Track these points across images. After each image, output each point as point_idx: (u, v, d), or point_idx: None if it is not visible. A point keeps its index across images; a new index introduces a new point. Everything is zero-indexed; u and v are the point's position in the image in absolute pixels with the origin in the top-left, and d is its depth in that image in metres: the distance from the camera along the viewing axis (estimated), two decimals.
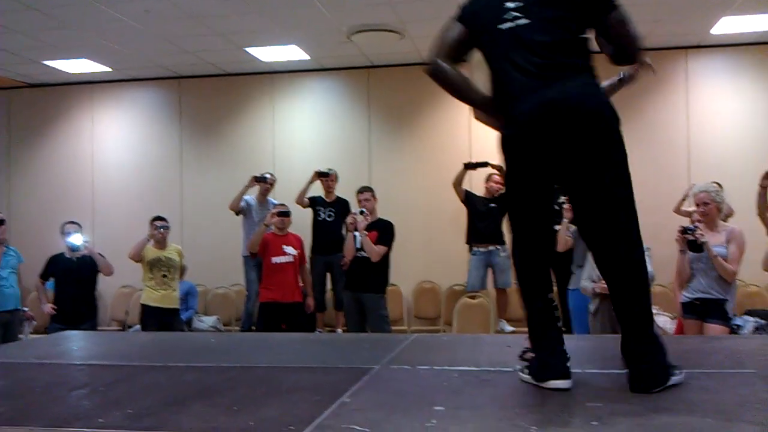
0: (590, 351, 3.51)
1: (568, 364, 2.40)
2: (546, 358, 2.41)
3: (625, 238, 2.48)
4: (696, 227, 5.25)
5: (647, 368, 2.31)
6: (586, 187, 2.38)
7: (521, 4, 2.38)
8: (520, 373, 2.51)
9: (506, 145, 2.45)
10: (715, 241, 5.21)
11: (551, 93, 2.31)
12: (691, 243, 5.18)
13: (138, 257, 6.80)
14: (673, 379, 2.32)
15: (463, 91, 2.56)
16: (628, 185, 2.45)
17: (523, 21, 2.37)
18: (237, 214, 8.01)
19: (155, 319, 6.75)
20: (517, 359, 2.65)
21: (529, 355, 2.55)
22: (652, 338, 2.36)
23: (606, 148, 2.35)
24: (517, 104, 2.37)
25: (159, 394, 2.48)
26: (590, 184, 2.37)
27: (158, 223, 6.87)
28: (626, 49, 2.52)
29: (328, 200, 8.01)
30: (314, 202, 7.99)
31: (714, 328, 5.12)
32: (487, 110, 2.60)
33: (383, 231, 6.35)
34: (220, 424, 2.06)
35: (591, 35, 2.48)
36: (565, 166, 2.37)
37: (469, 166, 7.78)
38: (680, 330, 5.66)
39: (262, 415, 2.14)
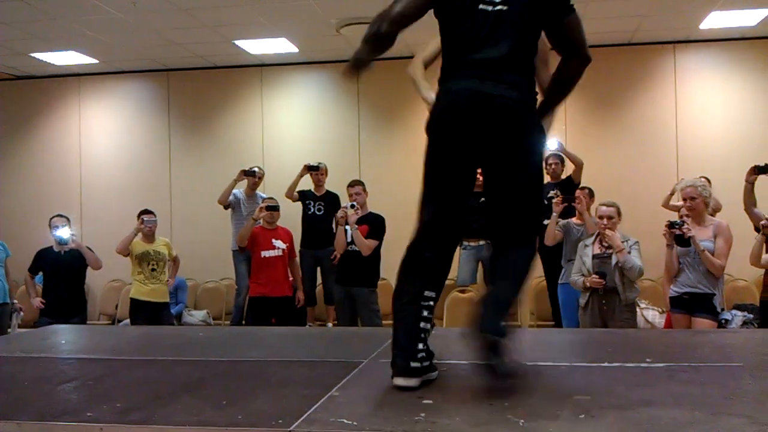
0: (579, 344, 3.54)
1: (417, 366, 2.35)
2: (396, 355, 2.37)
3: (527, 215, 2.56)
4: (683, 222, 5.28)
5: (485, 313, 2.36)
6: (500, 168, 2.47)
7: None
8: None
9: (435, 115, 2.47)
10: (702, 235, 5.24)
11: (491, 88, 2.35)
12: (678, 237, 5.21)
13: (126, 251, 6.77)
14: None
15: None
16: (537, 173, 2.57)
17: (502, 7, 2.37)
18: (225, 208, 7.98)
19: (144, 313, 6.73)
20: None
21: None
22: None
23: (520, 136, 2.41)
24: (456, 83, 2.42)
25: (148, 387, 2.47)
26: (504, 166, 2.45)
27: (146, 216, 6.84)
28: (578, 49, 2.55)
29: (317, 194, 7.99)
30: (304, 196, 7.97)
31: (702, 322, 5.15)
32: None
33: (374, 225, 6.36)
34: (209, 417, 2.05)
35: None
36: (484, 151, 2.43)
37: None
38: (669, 324, 5.70)
39: (251, 408, 2.14)
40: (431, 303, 2.43)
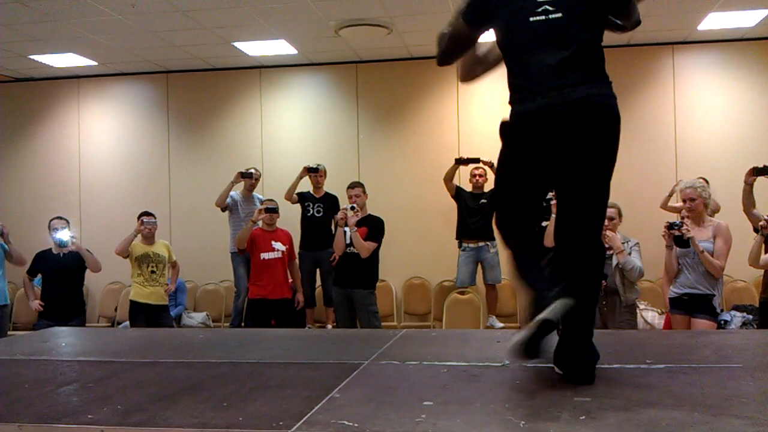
0: None
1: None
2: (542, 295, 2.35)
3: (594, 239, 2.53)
4: (682, 223, 5.29)
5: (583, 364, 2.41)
6: (579, 187, 2.44)
7: None
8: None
9: (512, 133, 2.47)
10: (701, 236, 5.25)
11: (574, 94, 2.34)
12: (677, 238, 5.21)
13: (125, 253, 6.77)
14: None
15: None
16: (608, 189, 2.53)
17: (555, 15, 2.37)
18: (223, 210, 7.98)
19: (144, 315, 6.73)
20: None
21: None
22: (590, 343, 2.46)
23: (606, 152, 2.43)
24: (530, 101, 2.38)
25: (148, 389, 2.47)
26: (584, 185, 2.43)
27: (145, 218, 6.85)
28: (634, 18, 2.60)
29: (316, 196, 7.99)
30: (303, 198, 7.97)
31: (701, 323, 5.16)
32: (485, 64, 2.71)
33: (373, 227, 6.35)
34: (209, 419, 2.05)
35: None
36: (563, 164, 2.41)
37: (460, 161, 7.78)
38: (668, 325, 5.70)
39: (251, 410, 2.14)
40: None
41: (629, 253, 5.43)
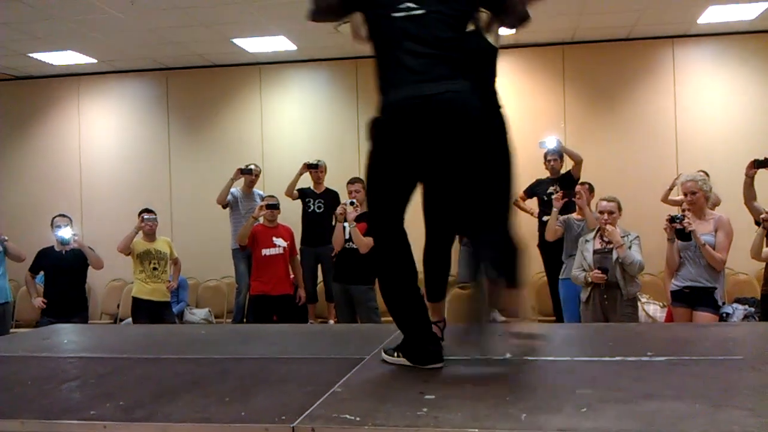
0: (580, 339, 3.54)
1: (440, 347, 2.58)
2: (424, 344, 2.54)
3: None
4: (684, 216, 5.28)
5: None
6: (447, 180, 2.47)
7: None
8: (388, 357, 2.63)
9: (377, 127, 2.50)
10: (703, 229, 5.24)
11: (431, 89, 2.35)
12: (679, 232, 5.21)
13: (126, 250, 6.78)
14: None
15: None
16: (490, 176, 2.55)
17: (417, 12, 2.39)
18: (224, 207, 7.98)
19: (146, 311, 6.74)
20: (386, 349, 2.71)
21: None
22: None
23: (464, 148, 2.41)
24: (397, 92, 2.41)
25: (150, 385, 2.47)
26: (452, 178, 2.45)
27: (146, 215, 6.85)
28: (519, 14, 2.59)
29: (317, 192, 7.99)
30: (303, 194, 7.97)
31: (703, 316, 5.15)
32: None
33: None
34: (212, 414, 2.06)
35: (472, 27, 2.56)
36: (428, 160, 2.43)
37: None
38: (670, 318, 5.70)
39: (254, 405, 2.15)
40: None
41: (629, 247, 5.42)
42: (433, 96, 2.34)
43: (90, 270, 6.90)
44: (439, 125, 2.35)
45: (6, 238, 6.67)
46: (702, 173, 6.05)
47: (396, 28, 2.41)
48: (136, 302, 6.83)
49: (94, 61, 9.04)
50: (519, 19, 2.60)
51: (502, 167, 2.60)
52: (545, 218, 6.97)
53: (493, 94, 2.62)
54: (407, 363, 2.55)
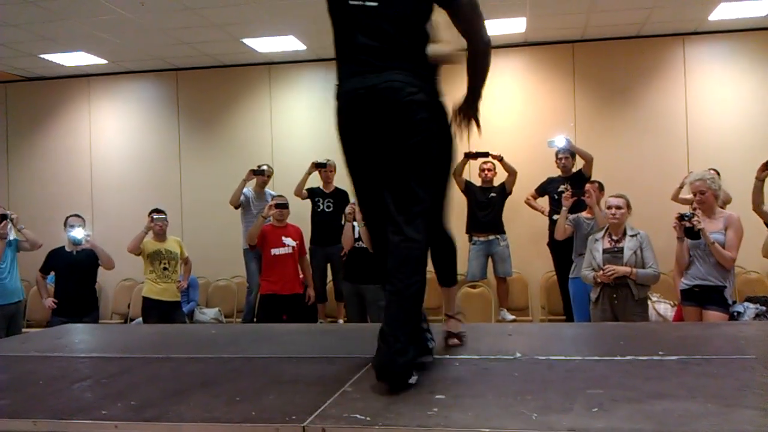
0: (591, 338, 3.53)
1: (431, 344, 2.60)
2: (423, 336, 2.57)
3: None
4: (693, 214, 5.26)
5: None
6: (389, 168, 2.44)
7: None
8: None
9: (335, 126, 2.55)
10: (712, 227, 5.22)
11: (373, 80, 2.39)
12: (688, 230, 5.19)
13: (137, 250, 6.81)
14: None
15: None
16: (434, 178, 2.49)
17: (372, 3, 2.41)
18: (236, 207, 8.00)
19: (157, 311, 6.76)
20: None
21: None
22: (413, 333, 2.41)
23: (404, 140, 2.39)
24: (346, 82, 2.48)
25: (161, 385, 2.48)
26: (391, 165, 2.43)
27: (155, 215, 6.88)
28: (468, 36, 2.51)
29: (326, 191, 7.99)
30: (313, 193, 7.97)
31: (713, 315, 5.13)
32: None
33: None
34: (222, 414, 2.06)
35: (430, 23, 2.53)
36: (377, 148, 2.45)
37: (470, 155, 7.74)
38: (679, 317, 5.68)
39: (264, 404, 2.15)
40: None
41: (642, 251, 5.40)
42: (374, 86, 2.39)
43: (100, 270, 6.93)
44: (379, 114, 2.39)
45: (22, 226, 6.70)
46: (712, 171, 6.01)
47: (350, 15, 2.45)
48: (147, 302, 6.85)
49: (105, 61, 9.07)
50: (471, 32, 2.49)
51: (440, 157, 2.55)
52: (555, 217, 6.96)
53: (434, 84, 2.59)
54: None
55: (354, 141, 2.49)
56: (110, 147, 9.76)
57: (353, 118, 2.46)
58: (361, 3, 2.41)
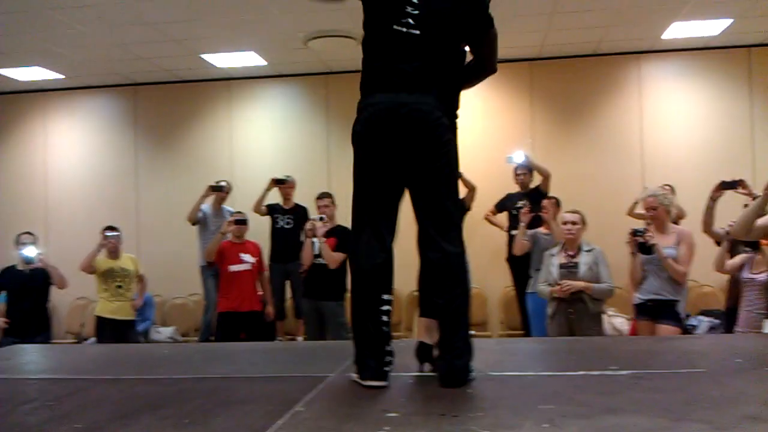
0: (546, 353, 3.55)
1: (387, 368, 2.56)
2: (366, 360, 2.55)
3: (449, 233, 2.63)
4: (646, 230, 5.34)
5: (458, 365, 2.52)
6: (417, 186, 2.60)
7: (418, 12, 2.53)
8: (353, 374, 2.62)
9: (358, 133, 2.60)
10: (665, 243, 5.30)
11: (404, 98, 2.51)
12: (641, 245, 5.27)
13: (90, 268, 6.69)
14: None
15: None
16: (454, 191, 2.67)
17: (415, 31, 2.54)
18: (194, 224, 7.91)
19: (110, 330, 6.65)
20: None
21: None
22: (465, 339, 2.56)
23: (433, 154, 2.53)
24: (375, 96, 2.56)
25: (108, 407, 2.42)
26: (420, 184, 2.58)
27: (108, 232, 6.78)
28: (484, 62, 2.75)
29: (286, 207, 7.95)
30: (272, 210, 7.92)
31: (666, 329, 5.19)
32: None
33: (342, 238, 6.32)
34: None
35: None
36: (401, 166, 2.55)
37: None
38: (634, 331, 5.75)
39: (213, 426, 2.11)
40: (389, 307, 2.61)
41: (597, 266, 5.45)
42: (406, 104, 2.50)
43: (53, 288, 6.78)
44: (408, 129, 2.50)
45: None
46: (667, 187, 6.12)
47: (391, 39, 2.57)
48: (100, 321, 6.74)
49: (61, 76, 8.93)
50: (488, 67, 2.76)
51: (453, 175, 2.68)
52: (514, 232, 7.01)
53: (455, 108, 2.69)
54: (357, 378, 2.57)
55: (377, 150, 2.56)
56: (65, 163, 9.59)
57: (380, 128, 2.53)
58: (405, 30, 2.53)
